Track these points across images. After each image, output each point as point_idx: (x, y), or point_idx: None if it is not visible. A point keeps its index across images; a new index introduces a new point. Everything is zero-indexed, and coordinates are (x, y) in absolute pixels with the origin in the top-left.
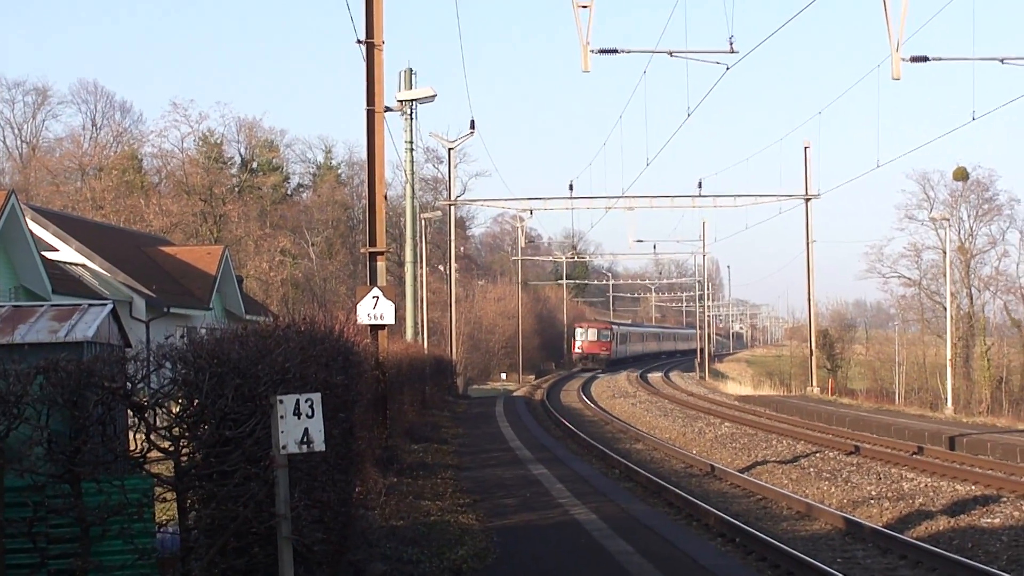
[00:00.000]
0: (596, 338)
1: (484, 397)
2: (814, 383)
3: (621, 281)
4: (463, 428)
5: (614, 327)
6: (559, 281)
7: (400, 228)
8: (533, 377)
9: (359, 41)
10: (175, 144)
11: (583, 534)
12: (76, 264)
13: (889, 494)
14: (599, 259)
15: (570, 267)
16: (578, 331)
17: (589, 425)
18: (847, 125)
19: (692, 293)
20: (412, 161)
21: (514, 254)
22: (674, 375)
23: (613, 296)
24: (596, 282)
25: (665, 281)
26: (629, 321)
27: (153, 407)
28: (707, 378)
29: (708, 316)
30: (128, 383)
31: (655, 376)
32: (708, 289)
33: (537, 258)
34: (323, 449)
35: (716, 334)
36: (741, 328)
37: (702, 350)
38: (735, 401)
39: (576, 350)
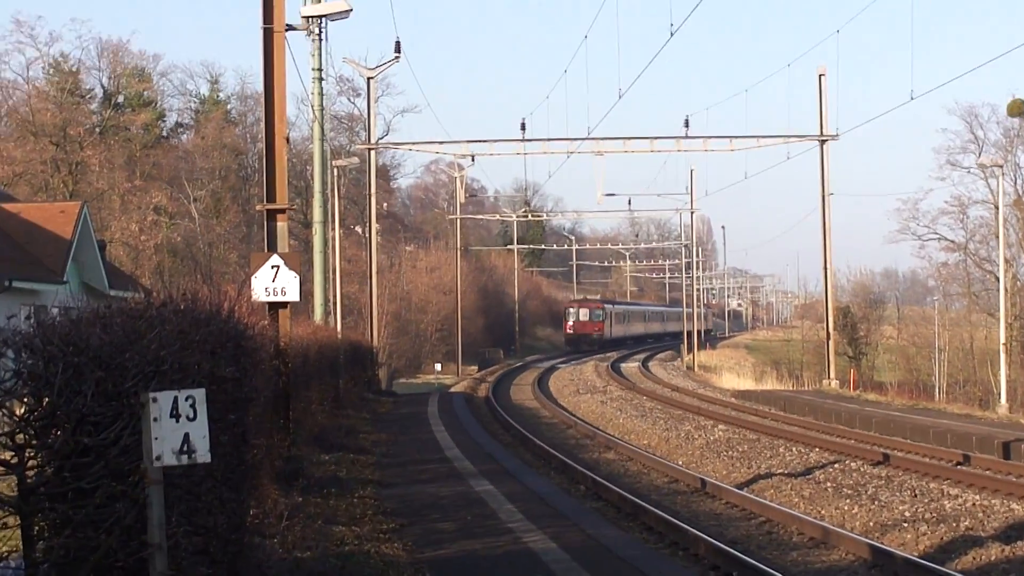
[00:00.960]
0: (588, 318)
1: (414, 394)
2: (832, 375)
3: (587, 246)
4: (387, 433)
5: (607, 306)
6: (509, 246)
7: (307, 179)
8: (476, 368)
9: None
10: (18, 72)
11: (539, 567)
12: None
13: (927, 515)
14: (559, 218)
15: (522, 228)
16: (569, 310)
17: (546, 429)
18: (872, 47)
19: (677, 261)
20: (321, 94)
21: (451, 212)
22: (654, 365)
23: (578, 265)
24: (556, 247)
25: (643, 246)
26: (629, 300)
27: None
28: (696, 368)
29: (698, 290)
30: None
31: (630, 366)
32: (697, 255)
33: (481, 217)
34: (208, 460)
35: (712, 313)
36: (740, 305)
37: (690, 333)
38: (732, 398)
39: (568, 330)
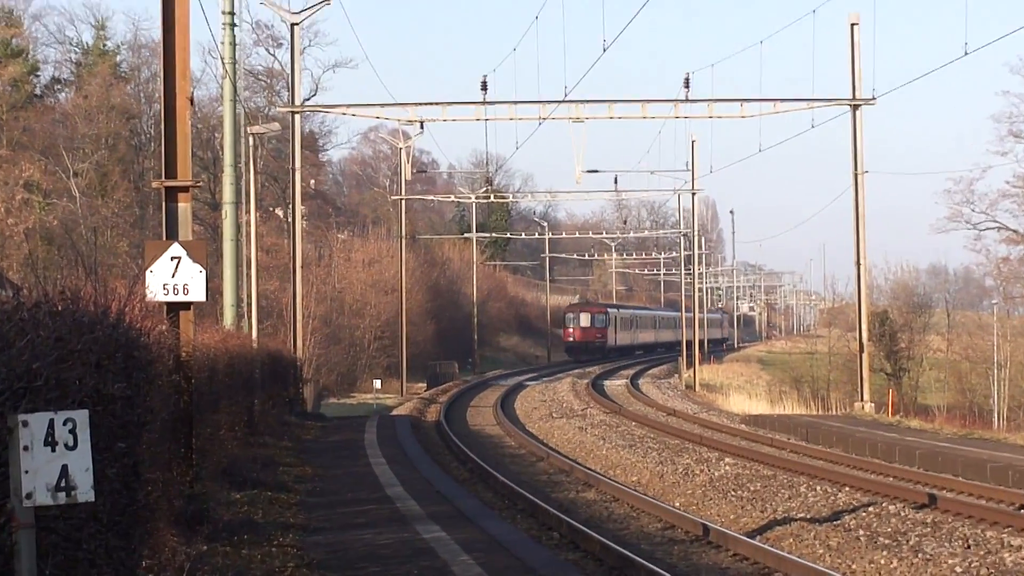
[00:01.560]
0: (590, 323)
1: (347, 417)
2: (865, 396)
3: (564, 235)
4: (314, 465)
5: (611, 311)
6: (466, 235)
7: (215, 150)
8: (424, 386)
9: None
10: None
11: None
12: None
13: (983, 571)
14: (529, 200)
15: (483, 213)
16: (568, 316)
17: (512, 462)
18: None
19: (674, 253)
20: (234, 44)
21: (395, 192)
22: (645, 383)
23: (552, 258)
24: (525, 236)
25: (633, 235)
26: (637, 305)
27: None
28: (697, 387)
29: (699, 289)
30: None
31: (616, 385)
32: (700, 247)
33: (432, 198)
34: (92, 499)
35: (727, 319)
36: (752, 308)
37: (690, 343)
38: (741, 424)
39: (567, 338)
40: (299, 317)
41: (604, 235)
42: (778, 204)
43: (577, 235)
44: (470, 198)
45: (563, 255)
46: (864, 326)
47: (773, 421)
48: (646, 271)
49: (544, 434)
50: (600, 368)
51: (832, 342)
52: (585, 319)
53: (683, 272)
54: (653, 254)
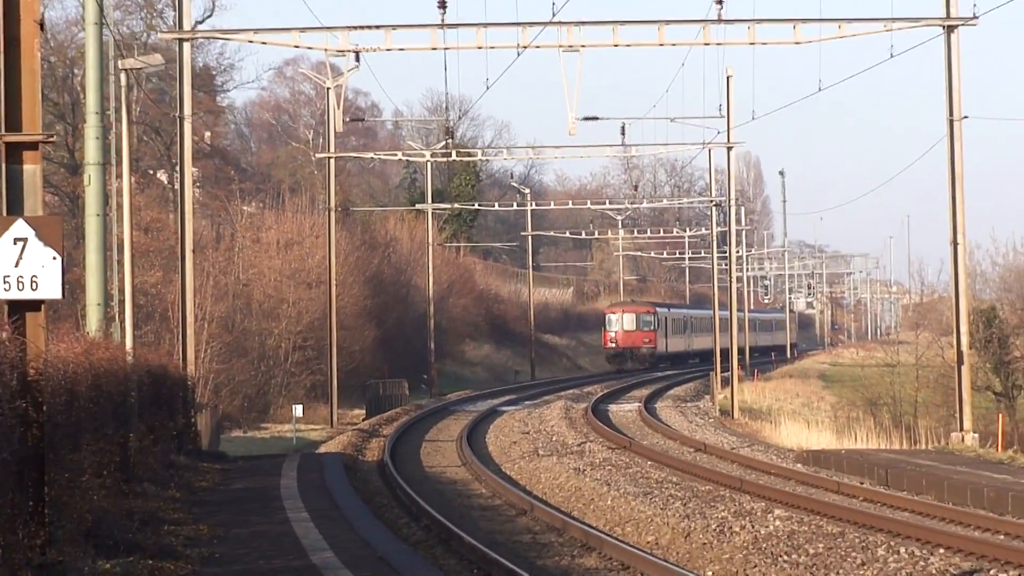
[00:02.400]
0: (635, 326)
1: (257, 456)
2: (967, 424)
3: (552, 205)
4: (211, 523)
5: (659, 311)
6: (419, 206)
7: (74, 92)
8: (363, 413)
9: None
10: None
11: None
12: None
13: None
14: (504, 159)
15: (442, 176)
16: (609, 317)
17: (483, 516)
18: None
19: (703, 231)
20: None
21: (322, 148)
22: (664, 407)
23: (535, 237)
24: (499, 207)
25: (647, 205)
26: (691, 304)
27: None
28: (735, 413)
29: (737, 277)
30: None
31: (624, 410)
32: (738, 220)
33: (372, 155)
34: None
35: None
36: (810, 305)
37: (726, 352)
38: (796, 464)
39: (608, 343)
40: (190, 320)
41: (607, 205)
42: (844, 164)
43: (571, 205)
44: (424, 156)
45: (552, 233)
46: (964, 328)
47: (840, 459)
48: (664, 254)
49: (527, 479)
50: (602, 388)
51: (920, 350)
52: (629, 321)
53: (715, 255)
54: (675, 231)
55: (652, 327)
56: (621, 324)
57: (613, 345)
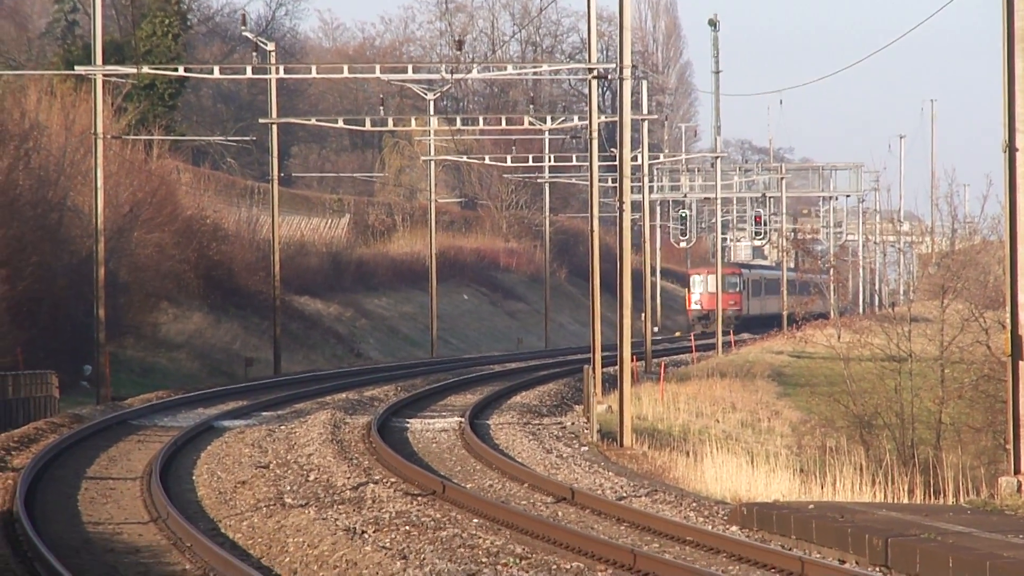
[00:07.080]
0: (723, 288)
1: None
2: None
3: (312, 70)
4: None
5: (744, 272)
6: (80, 69)
7: None
8: None
9: None
10: None
11: None
12: None
13: None
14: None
15: (123, 18)
16: (694, 279)
17: None
18: None
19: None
20: None
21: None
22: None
23: (282, 128)
24: (217, 72)
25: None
26: (764, 263)
27: None
28: (625, 439)
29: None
30: None
31: (439, 427)
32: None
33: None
34: None
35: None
36: (759, 251)
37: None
38: (729, 527)
39: (692, 306)
40: None
41: (410, 74)
42: (817, 16)
43: (347, 73)
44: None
45: (313, 121)
46: (1017, 303)
47: (805, 519)
48: (509, 160)
49: (265, 546)
50: (402, 388)
51: (949, 334)
52: (713, 282)
53: (594, 162)
54: (527, 120)
55: (738, 289)
56: (706, 287)
57: (698, 307)
